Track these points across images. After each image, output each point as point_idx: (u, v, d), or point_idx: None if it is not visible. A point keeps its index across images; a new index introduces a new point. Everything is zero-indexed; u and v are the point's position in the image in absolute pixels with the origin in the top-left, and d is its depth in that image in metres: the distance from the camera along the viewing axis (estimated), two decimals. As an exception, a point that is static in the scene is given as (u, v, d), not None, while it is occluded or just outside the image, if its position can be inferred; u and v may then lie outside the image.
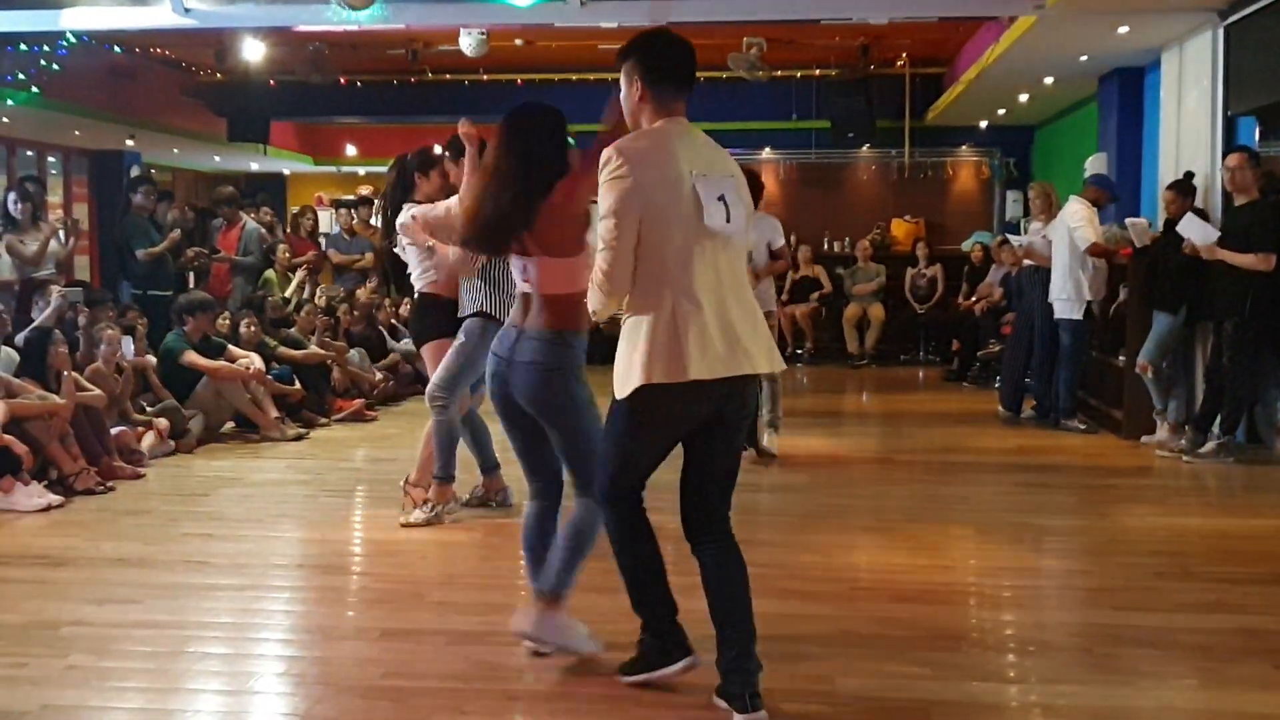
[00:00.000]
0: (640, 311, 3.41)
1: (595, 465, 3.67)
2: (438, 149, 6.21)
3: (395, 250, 6.22)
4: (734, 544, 3.54)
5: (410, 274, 6.15)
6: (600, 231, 3.43)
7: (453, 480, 5.98)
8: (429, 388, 5.87)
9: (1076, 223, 8.47)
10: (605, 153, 3.41)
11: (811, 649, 4.04)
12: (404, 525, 5.83)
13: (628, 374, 3.40)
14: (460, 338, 5.78)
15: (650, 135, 3.50)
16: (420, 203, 6.03)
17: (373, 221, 11.97)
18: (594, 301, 3.44)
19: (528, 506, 4.02)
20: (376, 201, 10.74)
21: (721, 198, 3.44)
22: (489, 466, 6.29)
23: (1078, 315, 8.63)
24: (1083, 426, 8.71)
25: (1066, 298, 8.63)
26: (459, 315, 5.83)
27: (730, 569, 3.50)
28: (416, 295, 6.16)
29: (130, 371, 7.78)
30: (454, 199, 5.93)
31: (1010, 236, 10.83)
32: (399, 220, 5.99)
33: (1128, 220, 8.54)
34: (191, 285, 11.07)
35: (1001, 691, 3.74)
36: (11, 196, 8.85)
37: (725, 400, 3.46)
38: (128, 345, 7.82)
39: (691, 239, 3.40)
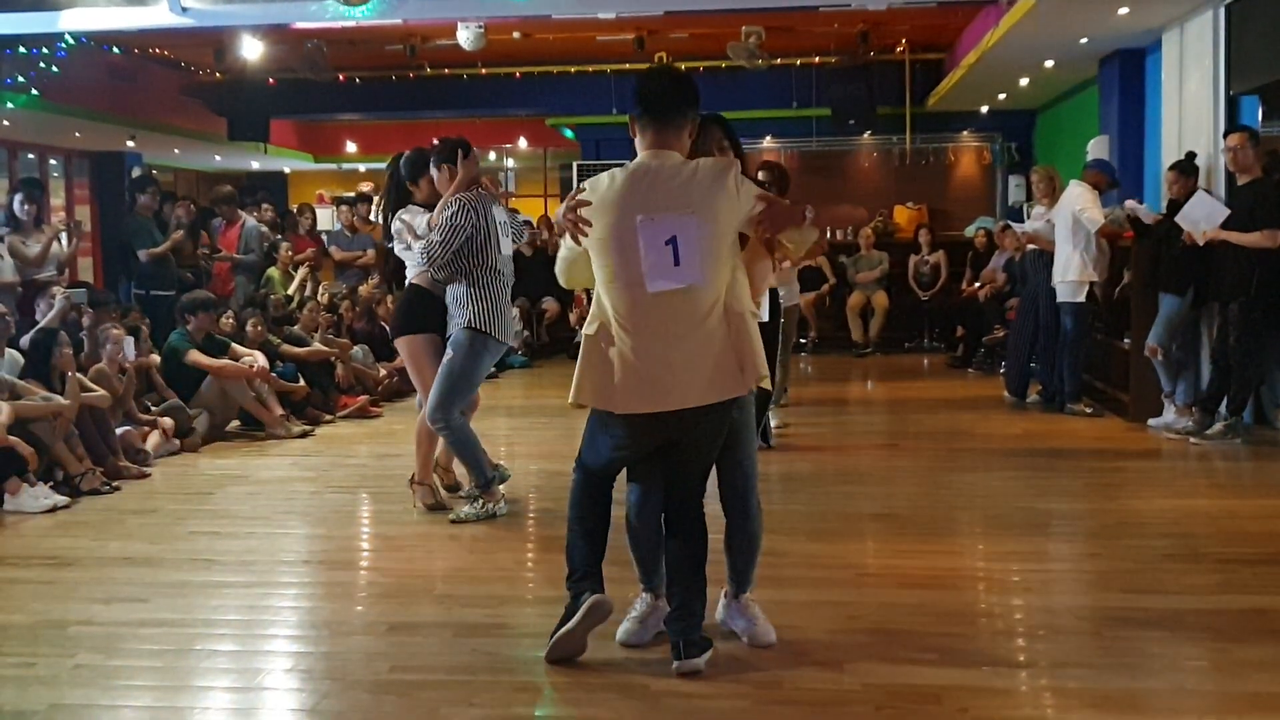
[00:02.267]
0: (587, 330, 3.73)
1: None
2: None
3: (396, 252, 6.20)
4: (701, 522, 3.83)
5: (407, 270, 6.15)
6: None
7: (493, 483, 5.93)
8: (428, 413, 5.79)
9: (1082, 205, 8.43)
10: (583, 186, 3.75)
11: (819, 636, 4.04)
12: (453, 522, 5.79)
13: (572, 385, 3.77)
14: (449, 351, 5.74)
15: (614, 174, 3.66)
16: (420, 204, 6.05)
17: (372, 218, 11.98)
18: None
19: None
20: (375, 198, 10.74)
21: (671, 240, 3.51)
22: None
23: (1080, 299, 8.60)
24: (1089, 410, 8.68)
25: (1069, 281, 8.60)
26: (447, 331, 5.81)
27: (689, 536, 3.80)
28: (407, 284, 6.13)
29: (133, 372, 7.78)
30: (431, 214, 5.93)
31: (1013, 224, 10.80)
32: (393, 226, 6.01)
33: (1128, 202, 8.52)
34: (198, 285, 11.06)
35: (1011, 675, 3.72)
36: (18, 198, 8.85)
37: (674, 429, 3.66)
38: (129, 346, 7.82)
39: (635, 278, 3.55)
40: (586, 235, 3.64)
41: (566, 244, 3.78)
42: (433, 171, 5.95)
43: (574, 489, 3.91)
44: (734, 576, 4.07)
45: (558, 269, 3.90)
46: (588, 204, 3.63)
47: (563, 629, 3.77)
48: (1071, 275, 8.56)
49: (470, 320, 5.69)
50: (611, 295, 3.63)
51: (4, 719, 3.49)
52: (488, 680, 3.72)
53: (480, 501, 5.86)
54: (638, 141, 3.72)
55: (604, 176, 3.68)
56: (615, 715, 3.44)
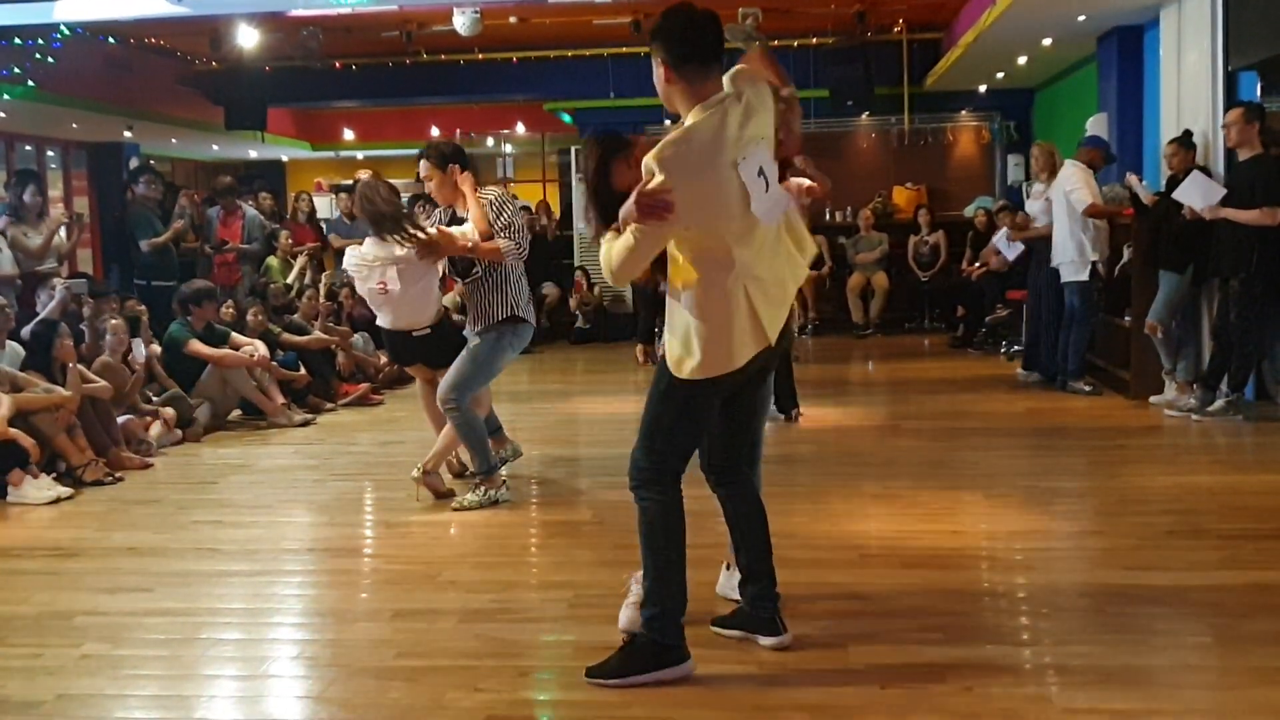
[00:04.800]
0: (701, 298, 3.44)
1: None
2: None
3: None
4: (754, 489, 3.83)
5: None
6: (630, 228, 3.38)
7: (497, 469, 5.97)
8: (441, 391, 5.81)
9: (1072, 185, 8.45)
10: (647, 164, 3.33)
11: (823, 616, 4.04)
12: (456, 509, 5.78)
13: (683, 358, 3.47)
14: (476, 340, 5.81)
15: (689, 138, 3.36)
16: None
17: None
18: (606, 273, 3.51)
19: None
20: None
21: (760, 171, 3.44)
22: (492, 429, 6.28)
23: (1084, 277, 8.59)
24: (1089, 388, 8.68)
25: (1071, 260, 8.59)
26: (484, 325, 5.82)
27: (754, 508, 3.79)
28: (444, 318, 6.12)
29: (142, 370, 7.79)
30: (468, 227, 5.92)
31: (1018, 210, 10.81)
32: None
33: (1129, 176, 8.50)
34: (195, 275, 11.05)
35: (1015, 653, 3.73)
36: (30, 189, 8.85)
37: (764, 361, 3.58)
38: (139, 347, 7.81)
39: (747, 222, 3.43)
40: (671, 216, 3.30)
41: (645, 233, 3.34)
42: (427, 169, 5.87)
43: (660, 511, 3.55)
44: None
45: (624, 263, 3.42)
46: (668, 190, 3.28)
47: (647, 676, 3.52)
48: (1073, 255, 8.56)
49: (514, 310, 5.81)
50: (735, 248, 3.39)
51: (12, 709, 3.50)
52: (493, 665, 3.73)
53: (484, 489, 5.87)
54: (680, 90, 3.44)
55: (677, 150, 3.32)
56: (619, 699, 3.44)
